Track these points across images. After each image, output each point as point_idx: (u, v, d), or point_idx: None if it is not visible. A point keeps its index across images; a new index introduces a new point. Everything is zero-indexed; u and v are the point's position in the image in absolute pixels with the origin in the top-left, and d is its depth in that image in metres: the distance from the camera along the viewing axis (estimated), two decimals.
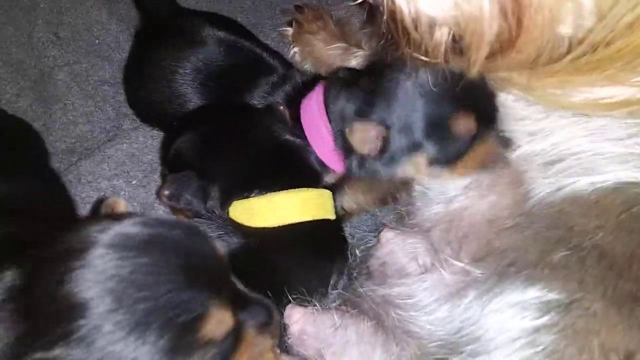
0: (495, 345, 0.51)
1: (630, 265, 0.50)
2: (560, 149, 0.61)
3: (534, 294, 0.52)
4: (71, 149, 0.97)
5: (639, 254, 0.51)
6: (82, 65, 1.03)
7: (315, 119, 0.76)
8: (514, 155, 0.65)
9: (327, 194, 0.77)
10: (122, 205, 0.56)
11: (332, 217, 0.76)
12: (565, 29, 0.54)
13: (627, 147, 0.58)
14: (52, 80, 1.01)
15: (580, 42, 0.53)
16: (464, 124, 0.69)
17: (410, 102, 0.69)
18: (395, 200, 0.82)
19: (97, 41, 1.06)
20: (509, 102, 0.68)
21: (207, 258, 0.50)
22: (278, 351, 0.60)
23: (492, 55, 0.56)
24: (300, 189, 0.74)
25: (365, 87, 0.73)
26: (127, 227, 0.49)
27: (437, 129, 0.69)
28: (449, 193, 0.67)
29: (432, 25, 0.54)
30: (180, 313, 0.45)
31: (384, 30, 0.59)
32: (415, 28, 0.54)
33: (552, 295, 0.51)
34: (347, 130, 0.72)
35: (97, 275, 0.45)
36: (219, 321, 0.47)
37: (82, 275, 0.45)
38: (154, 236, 0.48)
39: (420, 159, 0.71)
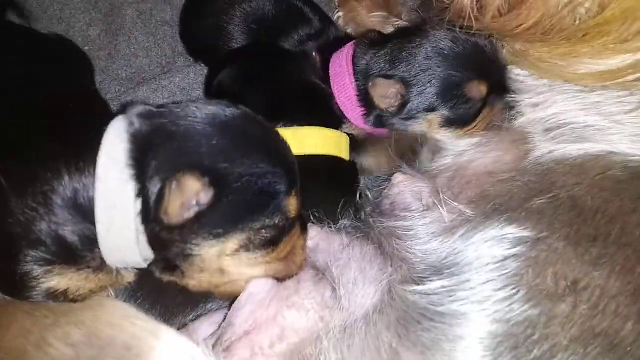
0: (470, 267, 0.60)
1: (595, 215, 0.59)
2: (559, 119, 0.70)
3: (510, 231, 0.60)
4: (130, 77, 1.08)
5: (604, 207, 0.59)
6: (148, 5, 1.14)
7: (342, 73, 0.86)
8: (520, 120, 0.74)
9: (344, 136, 0.86)
10: None
11: (347, 158, 0.86)
12: None
13: (616, 122, 0.66)
14: (121, 15, 1.13)
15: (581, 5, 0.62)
16: (477, 90, 0.78)
17: (431, 67, 0.79)
18: (414, 154, 0.91)
19: None
20: (519, 78, 0.77)
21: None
22: None
23: (507, 11, 0.65)
24: (322, 127, 0.83)
25: (391, 49, 0.83)
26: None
27: (453, 93, 0.79)
28: (460, 147, 0.76)
29: None
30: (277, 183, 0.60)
31: None
32: None
33: (524, 233, 0.60)
34: (369, 84, 0.82)
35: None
36: (294, 204, 0.62)
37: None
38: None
39: (434, 119, 0.81)
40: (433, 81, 0.79)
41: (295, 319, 0.65)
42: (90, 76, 0.97)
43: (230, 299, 0.68)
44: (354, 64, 0.86)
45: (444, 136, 0.81)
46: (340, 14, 1.14)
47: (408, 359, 0.58)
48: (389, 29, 1.06)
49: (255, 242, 0.61)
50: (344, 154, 0.85)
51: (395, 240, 0.67)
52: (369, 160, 0.94)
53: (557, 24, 0.67)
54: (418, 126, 0.82)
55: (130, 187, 0.55)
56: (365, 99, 0.84)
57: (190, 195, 0.55)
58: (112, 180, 0.55)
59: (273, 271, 0.65)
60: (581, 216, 0.60)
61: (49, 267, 0.58)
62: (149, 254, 0.59)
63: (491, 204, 0.64)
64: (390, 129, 0.85)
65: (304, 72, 0.88)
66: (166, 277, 0.63)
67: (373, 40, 0.87)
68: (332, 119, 0.87)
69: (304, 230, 0.69)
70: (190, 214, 0.56)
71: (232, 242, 0.60)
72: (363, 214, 0.76)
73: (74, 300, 0.61)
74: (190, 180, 0.54)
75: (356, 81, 0.85)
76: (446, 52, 0.79)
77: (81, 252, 0.58)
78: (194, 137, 0.58)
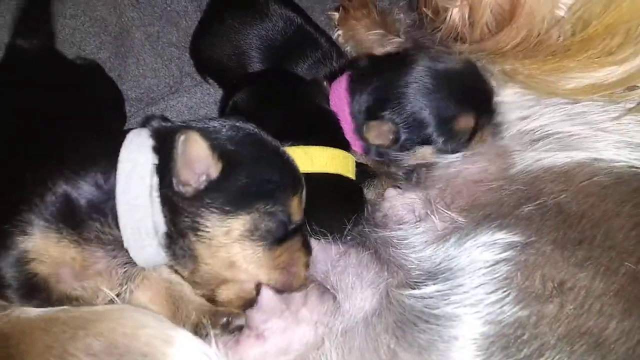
0: (463, 272, 0.64)
1: (580, 220, 0.62)
2: (545, 130, 0.73)
3: (500, 236, 0.64)
4: (139, 97, 1.13)
5: (589, 211, 0.63)
6: (155, 28, 1.19)
7: (342, 103, 0.90)
8: (508, 134, 0.78)
9: (351, 157, 0.90)
10: None
11: (353, 177, 0.89)
12: (556, 10, 0.67)
13: (601, 130, 0.70)
14: (129, 38, 1.17)
15: (566, 21, 0.66)
16: (464, 123, 0.83)
17: (419, 106, 0.84)
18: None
19: (169, 8, 1.21)
20: (508, 95, 0.81)
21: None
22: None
23: (494, 27, 0.69)
24: (330, 147, 0.87)
25: (380, 86, 0.88)
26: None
27: (443, 129, 0.84)
28: (447, 159, 0.80)
29: None
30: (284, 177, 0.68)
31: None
32: None
33: (514, 238, 0.63)
34: (364, 128, 0.87)
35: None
36: (297, 206, 0.69)
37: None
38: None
39: (428, 150, 0.86)
40: (423, 120, 0.84)
41: (303, 332, 0.69)
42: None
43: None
44: (350, 98, 0.91)
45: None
46: (340, 32, 1.19)
47: (405, 358, 0.61)
48: (387, 46, 1.11)
49: (260, 229, 0.66)
50: (351, 174, 0.89)
51: (390, 249, 0.70)
52: None
53: (544, 40, 0.71)
54: (414, 156, 0.87)
55: (147, 153, 0.64)
56: (362, 137, 0.89)
57: (196, 155, 0.62)
58: (134, 152, 0.65)
59: (274, 279, 0.69)
60: (567, 221, 0.63)
61: (39, 225, 0.63)
62: (160, 220, 0.64)
63: (482, 211, 0.68)
64: (391, 162, 0.90)
65: (314, 97, 0.93)
66: (178, 267, 0.68)
67: (363, 72, 0.92)
68: (340, 141, 0.91)
69: (307, 248, 0.73)
70: (200, 184, 0.63)
71: (239, 222, 0.65)
72: (358, 225, 0.80)
73: (36, 284, 0.65)
74: (196, 139, 0.61)
75: (353, 117, 0.90)
76: (434, 88, 0.84)
77: (82, 215, 0.64)
78: (209, 129, 0.67)
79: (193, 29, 1.16)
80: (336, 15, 1.21)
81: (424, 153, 0.87)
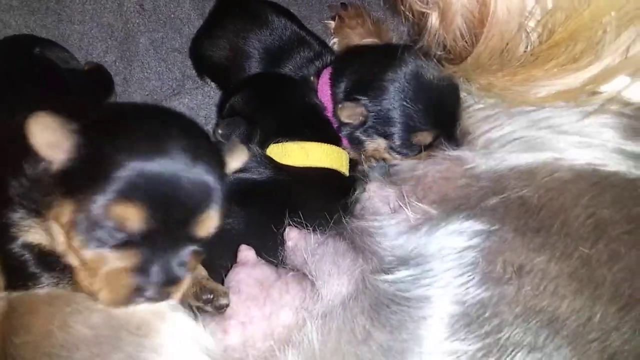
0: (433, 258, 0.69)
1: (540, 211, 0.67)
2: (511, 136, 0.79)
3: (468, 225, 0.69)
4: (143, 99, 1.19)
5: (549, 203, 0.68)
6: (159, 34, 1.26)
7: (326, 93, 0.97)
8: (478, 142, 0.83)
9: (345, 153, 0.97)
10: None
11: (346, 173, 0.96)
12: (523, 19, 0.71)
13: (563, 132, 0.75)
14: (135, 43, 1.24)
15: (533, 30, 0.70)
16: (423, 139, 0.91)
17: (393, 106, 0.91)
18: None
19: (172, 16, 1.28)
20: (478, 111, 0.87)
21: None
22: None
23: (467, 34, 0.75)
24: (324, 143, 0.94)
25: (364, 72, 0.95)
26: None
27: (405, 133, 0.91)
28: (412, 164, 0.87)
29: None
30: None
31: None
32: None
33: (480, 227, 0.68)
34: (339, 105, 0.94)
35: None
36: (212, 221, 0.66)
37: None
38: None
39: (382, 143, 0.94)
40: (392, 120, 0.91)
41: (286, 317, 0.74)
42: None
43: None
44: (332, 85, 0.98)
45: (388, 157, 0.96)
46: (336, 40, 1.25)
47: (379, 338, 0.66)
48: None
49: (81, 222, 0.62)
50: (344, 169, 0.95)
51: (366, 237, 0.75)
52: None
53: (513, 49, 0.75)
54: (370, 143, 0.95)
55: None
56: (335, 113, 0.96)
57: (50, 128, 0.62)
58: None
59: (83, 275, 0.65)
60: (528, 211, 0.68)
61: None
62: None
63: (452, 203, 0.73)
64: (352, 141, 0.97)
65: (304, 94, 0.99)
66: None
67: (344, 58, 1.00)
68: (332, 137, 0.97)
69: (141, 272, 0.63)
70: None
71: (65, 208, 0.63)
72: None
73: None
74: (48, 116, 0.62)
75: (332, 99, 0.97)
76: (415, 97, 0.90)
77: None
78: None
79: None
80: (332, 24, 1.27)
81: (379, 144, 0.94)
